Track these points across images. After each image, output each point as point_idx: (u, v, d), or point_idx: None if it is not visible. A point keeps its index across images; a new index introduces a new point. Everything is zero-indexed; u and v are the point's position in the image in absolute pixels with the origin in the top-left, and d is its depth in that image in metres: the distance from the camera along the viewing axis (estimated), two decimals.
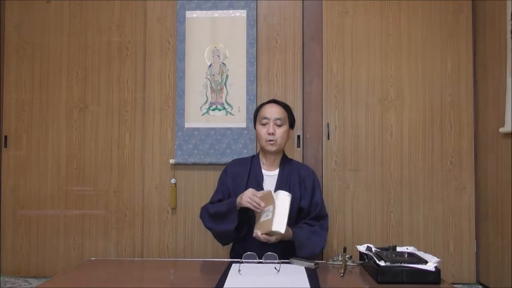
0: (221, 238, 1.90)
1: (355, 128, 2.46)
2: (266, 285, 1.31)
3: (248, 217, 1.81)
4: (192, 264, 1.74)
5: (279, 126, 1.89)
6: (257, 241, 1.80)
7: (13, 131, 2.59)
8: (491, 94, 2.27)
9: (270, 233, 1.65)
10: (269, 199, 1.67)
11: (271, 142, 1.88)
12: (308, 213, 1.89)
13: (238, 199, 1.74)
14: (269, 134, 1.87)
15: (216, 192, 1.98)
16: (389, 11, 2.47)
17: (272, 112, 1.91)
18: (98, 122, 2.57)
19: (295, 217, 1.87)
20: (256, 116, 2.00)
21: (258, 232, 1.66)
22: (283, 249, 1.75)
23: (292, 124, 1.99)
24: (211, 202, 1.95)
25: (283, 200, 1.66)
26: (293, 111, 2.01)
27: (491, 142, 2.26)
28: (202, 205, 2.43)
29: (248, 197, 1.69)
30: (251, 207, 1.69)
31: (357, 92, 2.47)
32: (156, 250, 2.49)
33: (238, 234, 1.83)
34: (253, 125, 2.09)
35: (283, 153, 1.99)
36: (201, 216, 1.92)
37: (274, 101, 1.99)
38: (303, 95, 2.49)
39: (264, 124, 1.90)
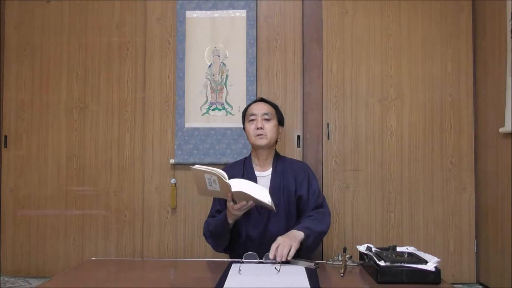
0: (219, 249, 1.89)
1: (355, 128, 2.46)
2: (266, 285, 1.31)
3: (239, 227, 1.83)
4: (192, 264, 1.74)
5: (267, 120, 1.89)
6: (256, 241, 1.81)
7: (13, 131, 2.59)
8: (491, 94, 2.27)
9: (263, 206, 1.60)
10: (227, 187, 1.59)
11: (261, 136, 1.86)
12: (307, 201, 1.87)
13: (230, 221, 1.72)
14: (257, 129, 1.87)
15: (214, 202, 1.93)
16: (389, 11, 2.47)
17: (259, 108, 1.91)
18: (98, 122, 2.57)
19: (295, 209, 1.87)
20: (244, 116, 1.99)
21: (278, 257, 1.55)
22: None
23: (281, 122, 1.97)
24: (211, 215, 1.92)
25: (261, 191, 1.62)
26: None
27: (491, 142, 2.26)
28: (202, 205, 2.47)
29: (235, 212, 1.65)
30: (243, 210, 1.67)
31: (357, 92, 2.47)
32: (156, 250, 2.50)
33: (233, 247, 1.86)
34: None
35: (275, 151, 1.98)
36: (204, 234, 1.89)
37: (261, 100, 1.99)
38: (303, 95, 2.49)
39: (252, 120, 1.90)
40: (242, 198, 1.59)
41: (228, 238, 1.79)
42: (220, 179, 1.55)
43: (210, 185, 1.60)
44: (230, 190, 1.56)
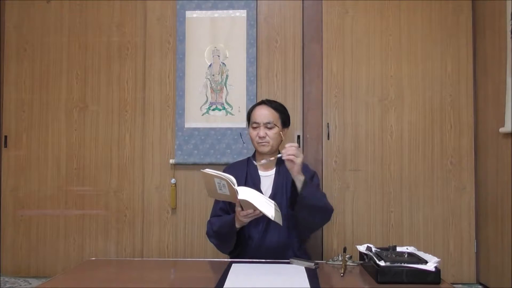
0: (224, 250, 1.89)
1: (355, 128, 2.46)
2: (266, 285, 1.31)
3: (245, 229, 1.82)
4: (192, 264, 1.74)
5: (270, 128, 1.89)
6: (256, 240, 1.80)
7: (13, 131, 2.59)
8: (491, 94, 2.27)
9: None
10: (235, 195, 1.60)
11: (263, 144, 1.88)
12: None
13: (237, 225, 1.71)
14: (259, 137, 1.88)
15: (216, 201, 1.93)
16: (389, 11, 2.47)
17: (262, 115, 1.90)
18: (98, 122, 2.57)
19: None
20: (248, 118, 1.99)
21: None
22: (282, 250, 1.76)
23: (285, 123, 1.97)
24: (214, 214, 1.92)
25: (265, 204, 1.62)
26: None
27: (491, 142, 2.26)
28: (202, 205, 2.48)
29: (243, 218, 1.66)
30: (250, 218, 1.67)
31: (357, 92, 2.47)
32: (156, 250, 2.50)
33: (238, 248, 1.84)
34: None
35: (278, 153, 1.98)
36: (207, 233, 1.88)
37: (264, 103, 1.96)
38: (303, 95, 2.49)
39: (255, 128, 1.91)
40: (249, 206, 1.59)
41: (234, 242, 1.78)
42: (229, 184, 1.56)
43: (220, 189, 1.61)
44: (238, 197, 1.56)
